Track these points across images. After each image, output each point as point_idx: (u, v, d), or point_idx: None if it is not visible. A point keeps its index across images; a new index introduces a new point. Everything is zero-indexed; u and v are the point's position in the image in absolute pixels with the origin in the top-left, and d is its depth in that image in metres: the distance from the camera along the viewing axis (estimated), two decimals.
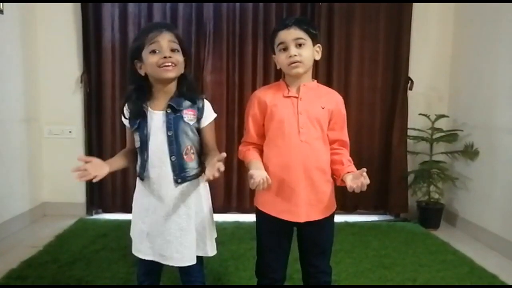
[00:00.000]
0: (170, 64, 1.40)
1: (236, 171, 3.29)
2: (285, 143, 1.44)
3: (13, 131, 2.94)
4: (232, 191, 3.33)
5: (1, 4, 2.72)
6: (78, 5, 3.12)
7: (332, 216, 1.53)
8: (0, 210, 2.76)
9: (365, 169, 1.35)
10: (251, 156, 1.50)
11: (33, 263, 2.31)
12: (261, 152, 1.52)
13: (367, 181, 1.34)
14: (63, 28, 3.20)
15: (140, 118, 1.45)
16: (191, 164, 1.48)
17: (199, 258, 1.51)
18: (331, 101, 1.50)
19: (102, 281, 2.11)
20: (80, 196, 3.29)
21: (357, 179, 1.35)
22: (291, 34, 1.42)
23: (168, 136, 1.44)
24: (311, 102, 1.47)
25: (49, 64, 3.22)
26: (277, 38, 1.45)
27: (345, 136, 1.53)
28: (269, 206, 1.48)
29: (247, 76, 3.24)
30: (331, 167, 1.50)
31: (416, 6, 3.24)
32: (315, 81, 1.54)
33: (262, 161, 1.48)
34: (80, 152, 3.25)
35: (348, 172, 1.44)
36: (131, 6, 3.15)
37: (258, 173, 1.35)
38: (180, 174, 1.45)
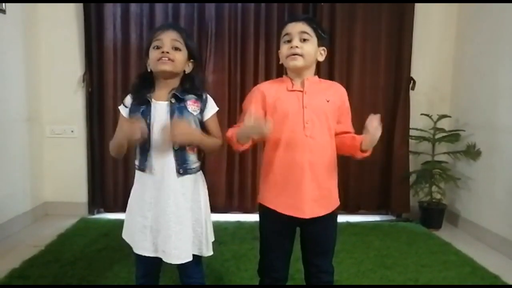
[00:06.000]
0: (166, 58, 1.43)
1: (237, 171, 3.28)
2: (289, 138, 1.42)
3: (15, 131, 2.94)
4: (233, 190, 3.31)
5: (3, 4, 2.72)
6: (80, 5, 3.13)
7: (335, 215, 1.53)
8: (2, 209, 2.77)
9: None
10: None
11: (35, 262, 2.31)
12: None
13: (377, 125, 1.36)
14: (65, 27, 3.20)
15: (143, 107, 1.47)
16: (192, 156, 1.49)
17: (197, 258, 1.50)
18: (335, 93, 1.51)
19: (103, 281, 2.11)
20: (82, 195, 3.30)
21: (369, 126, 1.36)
22: (297, 27, 1.43)
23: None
24: (316, 95, 1.46)
25: (51, 63, 3.23)
26: (284, 30, 1.46)
27: (350, 128, 1.54)
28: (274, 202, 1.46)
29: (249, 75, 3.24)
30: (343, 147, 1.48)
31: (418, 6, 3.23)
32: (317, 76, 1.53)
33: (266, 157, 1.48)
34: (82, 152, 3.27)
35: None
36: (133, 6, 3.16)
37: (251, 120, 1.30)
38: (182, 165, 1.46)
